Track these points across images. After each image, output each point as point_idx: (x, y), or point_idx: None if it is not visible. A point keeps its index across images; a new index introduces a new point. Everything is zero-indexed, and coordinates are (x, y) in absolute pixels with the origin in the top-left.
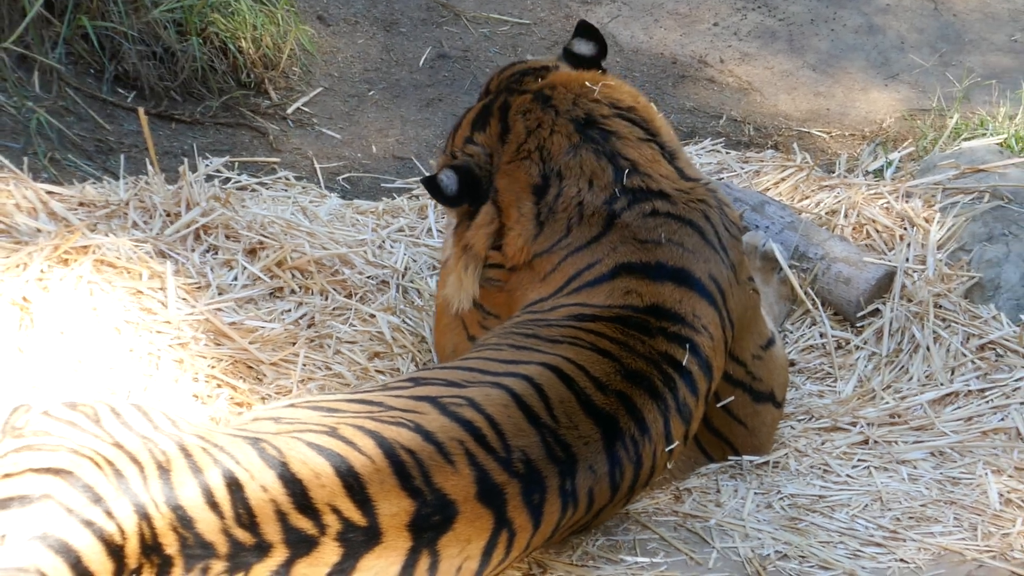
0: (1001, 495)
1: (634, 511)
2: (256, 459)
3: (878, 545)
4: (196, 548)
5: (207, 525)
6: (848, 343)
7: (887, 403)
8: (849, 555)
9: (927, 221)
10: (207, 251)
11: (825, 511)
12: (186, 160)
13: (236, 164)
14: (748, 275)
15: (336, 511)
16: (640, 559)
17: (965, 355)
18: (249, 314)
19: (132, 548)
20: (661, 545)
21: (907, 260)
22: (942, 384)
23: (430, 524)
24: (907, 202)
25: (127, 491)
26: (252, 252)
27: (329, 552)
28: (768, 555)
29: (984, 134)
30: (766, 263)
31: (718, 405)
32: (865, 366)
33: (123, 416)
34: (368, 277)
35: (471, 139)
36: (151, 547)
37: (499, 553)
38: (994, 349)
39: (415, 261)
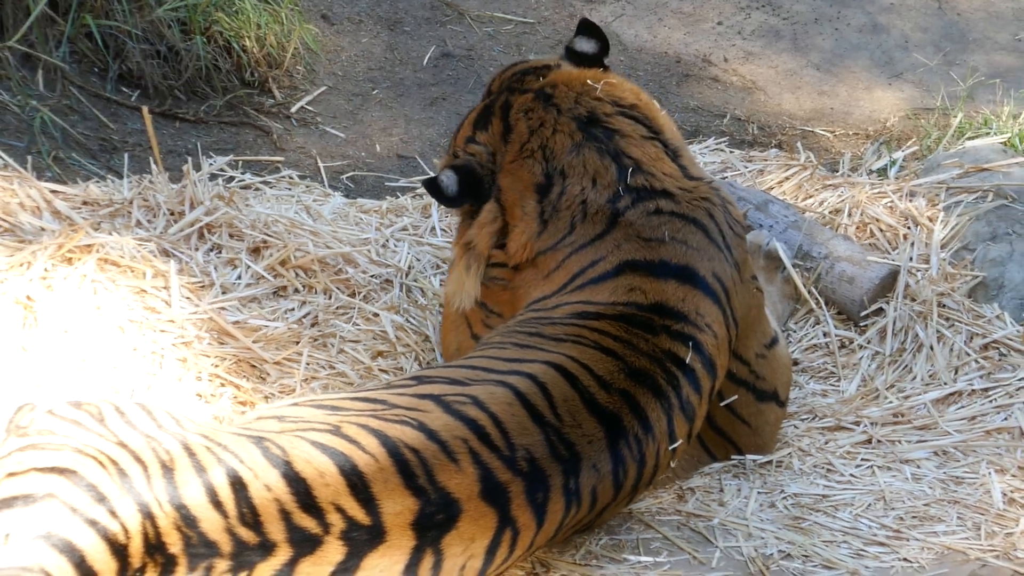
0: (1004, 494)
1: (637, 510)
2: (260, 458)
3: (881, 544)
4: (200, 547)
5: (211, 524)
6: (852, 342)
7: (890, 402)
8: (852, 554)
9: (931, 220)
10: (211, 250)
11: (828, 510)
12: (190, 159)
13: (240, 163)
14: (752, 273)
15: (340, 510)
16: (643, 558)
17: (969, 354)
18: (253, 313)
19: (136, 547)
20: (664, 544)
21: (911, 259)
22: (945, 383)
23: (434, 523)
24: (911, 201)
25: (131, 490)
26: (256, 251)
27: (333, 551)
28: (771, 554)
29: (988, 133)
30: (770, 262)
31: (722, 404)
32: (868, 365)
33: (127, 415)
34: (372, 276)
35: (473, 138)
36: (155, 546)
37: (503, 552)
38: (997, 348)
39: (419, 260)
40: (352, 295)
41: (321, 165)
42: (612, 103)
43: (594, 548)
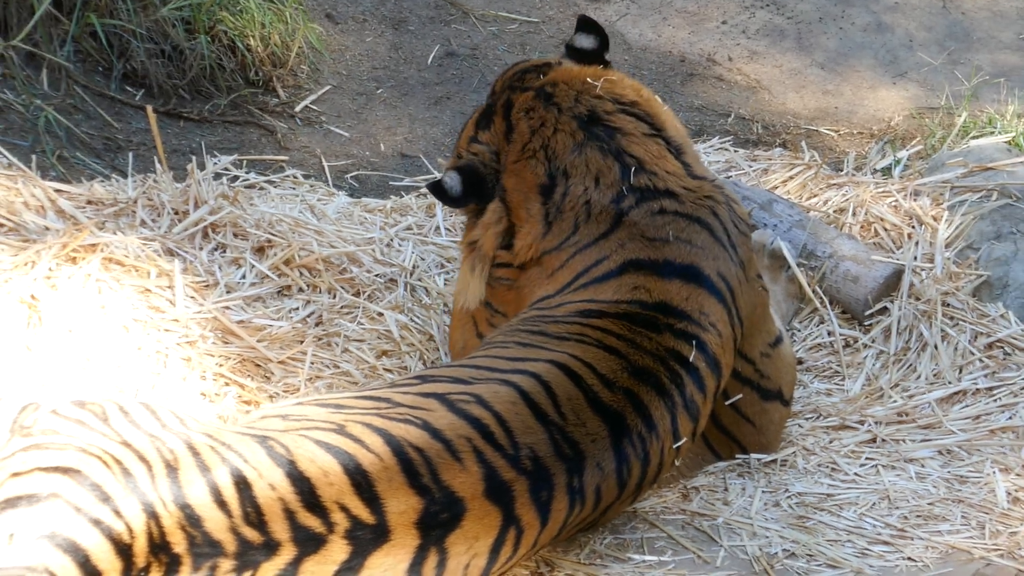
0: (1009, 493)
1: (642, 509)
2: (264, 457)
3: (886, 543)
4: (204, 547)
5: (215, 523)
6: (856, 341)
7: (895, 401)
8: (857, 553)
9: (935, 219)
10: (215, 249)
11: (833, 509)
12: (194, 158)
13: (244, 162)
14: (757, 272)
15: (344, 509)
16: (648, 557)
17: (973, 353)
18: (257, 312)
19: (140, 547)
20: (669, 543)
21: (915, 258)
22: (950, 382)
23: (438, 522)
24: (915, 200)
25: (135, 490)
26: (260, 250)
27: (337, 550)
28: (776, 553)
29: (992, 132)
30: (774, 261)
31: (726, 403)
32: (873, 364)
33: (131, 414)
34: (376, 275)
35: (475, 138)
36: (159, 546)
37: (507, 550)
38: (1002, 347)
39: (423, 259)
40: (356, 294)
41: (325, 164)
42: (613, 100)
43: (598, 547)
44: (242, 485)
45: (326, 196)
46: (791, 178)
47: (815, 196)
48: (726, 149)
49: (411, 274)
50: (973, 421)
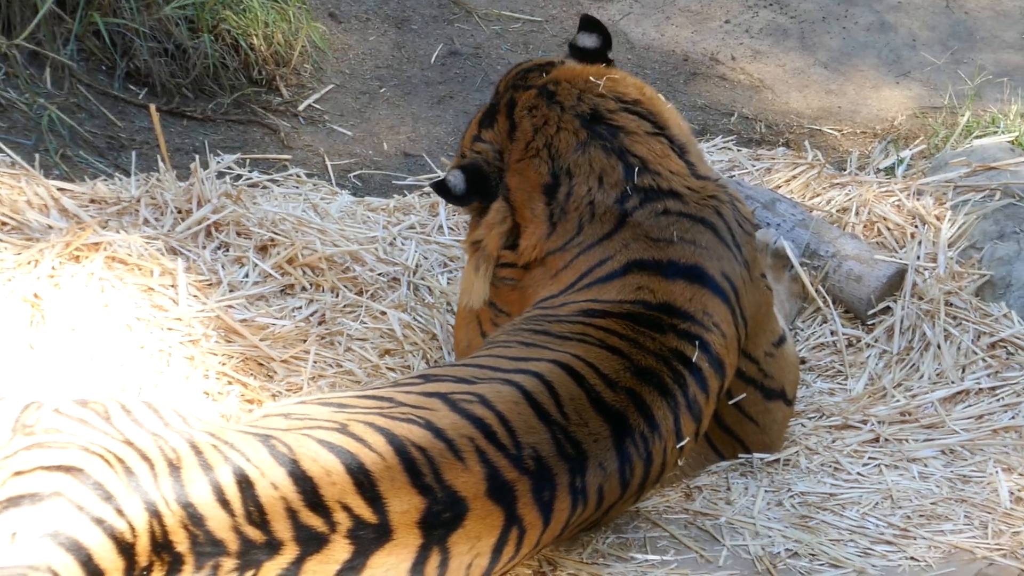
0: (1012, 493)
1: (644, 509)
2: (267, 456)
3: (888, 543)
4: (206, 546)
5: (218, 523)
6: (859, 341)
7: (898, 401)
8: (859, 553)
9: (938, 219)
10: (218, 248)
11: (835, 509)
12: (197, 157)
13: (247, 161)
14: (761, 271)
15: (346, 508)
16: (650, 557)
17: (976, 353)
18: (260, 311)
19: (143, 546)
20: (671, 543)
21: (918, 258)
22: (953, 382)
23: (440, 521)
24: (918, 200)
25: (138, 488)
26: (263, 249)
27: (339, 549)
28: (778, 553)
29: (995, 132)
30: (777, 261)
31: (730, 403)
32: (876, 364)
33: (134, 413)
34: (379, 274)
35: (479, 137)
36: (162, 545)
37: (509, 550)
38: (1005, 347)
39: (426, 258)
40: (359, 293)
41: (328, 163)
42: (615, 99)
43: (601, 546)
44: (244, 484)
45: (329, 195)
46: (794, 177)
47: (818, 195)
48: (729, 148)
49: (414, 273)
50: (976, 421)
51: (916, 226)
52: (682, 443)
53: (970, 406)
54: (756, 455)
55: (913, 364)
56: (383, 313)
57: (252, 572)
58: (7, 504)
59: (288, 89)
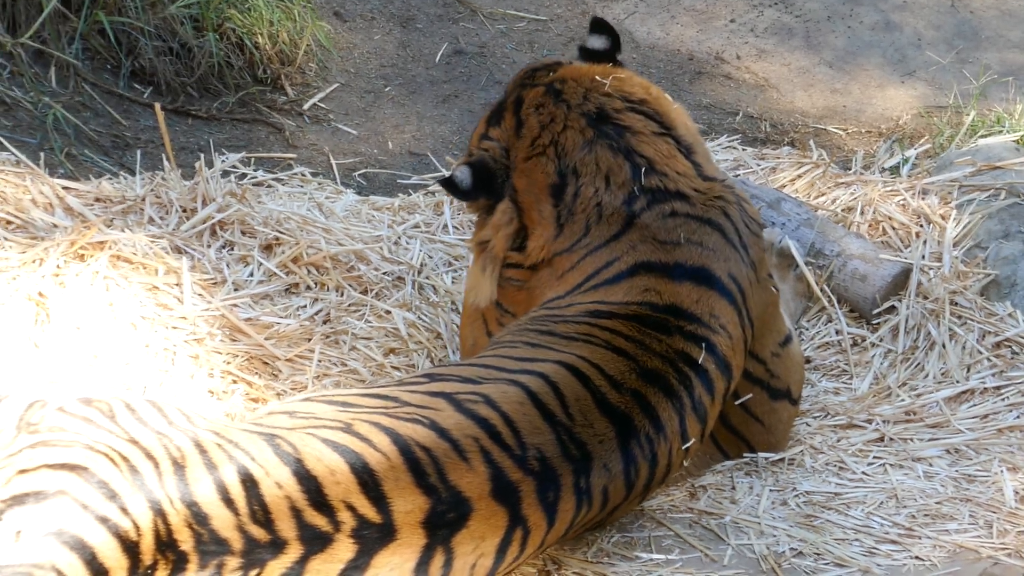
0: (1017, 492)
1: (649, 508)
2: (271, 455)
3: (893, 542)
4: (211, 544)
5: (222, 521)
6: (864, 340)
7: (903, 400)
8: (864, 552)
9: (943, 218)
10: (223, 247)
11: (840, 508)
12: (202, 156)
13: (252, 160)
14: (768, 272)
15: (351, 508)
16: (655, 556)
17: (981, 352)
18: (265, 310)
19: (147, 544)
20: (676, 542)
21: (923, 257)
22: (958, 381)
23: (445, 521)
24: (923, 199)
25: (142, 487)
26: (268, 248)
27: (344, 549)
28: (783, 552)
29: (1001, 131)
30: (782, 260)
31: (736, 403)
32: (881, 363)
33: (138, 412)
34: (384, 273)
35: (486, 135)
36: (166, 543)
37: (513, 551)
38: (1010, 346)
39: (431, 257)
40: (364, 292)
41: (333, 162)
42: (621, 98)
43: (606, 545)
44: (249, 483)
45: (334, 194)
46: (799, 176)
47: (823, 195)
48: (734, 147)
49: (419, 272)
50: (981, 420)
51: (921, 225)
52: (687, 444)
53: (975, 405)
54: (761, 454)
55: (918, 363)
56: (388, 312)
57: (256, 571)
58: (12, 502)
59: (293, 88)
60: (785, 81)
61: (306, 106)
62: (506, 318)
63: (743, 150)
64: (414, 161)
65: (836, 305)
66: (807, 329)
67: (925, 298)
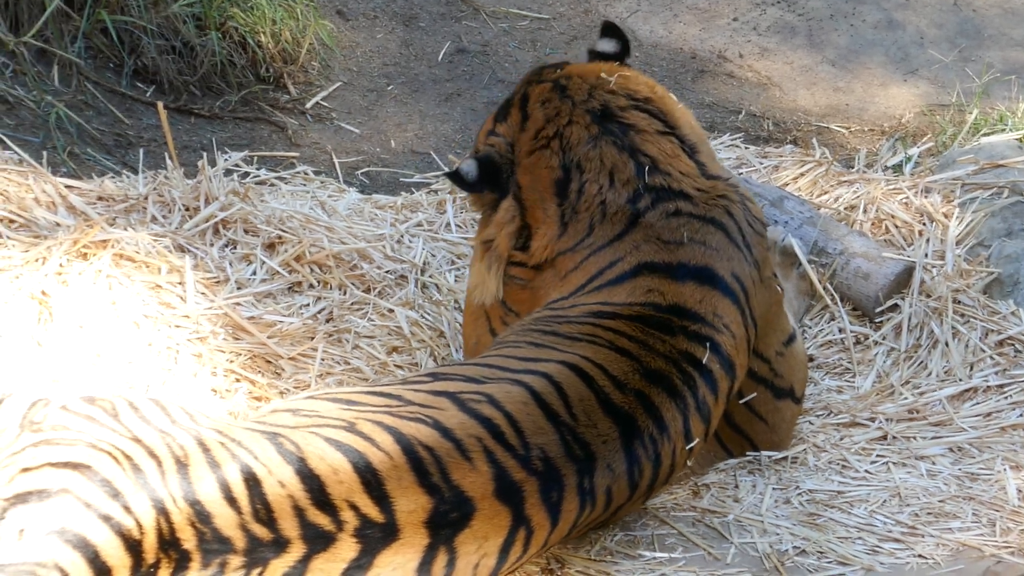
0: (1020, 491)
1: (652, 506)
2: (274, 454)
3: (896, 541)
4: (213, 543)
5: (225, 520)
6: (867, 338)
7: (905, 399)
8: (867, 551)
9: (946, 216)
10: (226, 245)
11: (843, 507)
12: (205, 154)
13: (255, 159)
14: (772, 271)
15: (354, 507)
16: (658, 554)
17: (984, 351)
18: (268, 308)
19: (150, 543)
20: (679, 540)
21: (926, 255)
22: (961, 380)
23: (448, 521)
24: (926, 197)
25: (145, 486)
26: (271, 247)
27: (346, 548)
28: (786, 550)
29: (1003, 129)
30: (785, 258)
31: (740, 402)
32: (884, 361)
33: (141, 410)
34: (386, 272)
35: (493, 131)
36: (169, 542)
37: (516, 550)
38: (1013, 345)
39: (434, 256)
40: (367, 291)
41: (336, 161)
42: (626, 96)
43: (609, 544)
44: (252, 482)
45: (337, 192)
46: (802, 175)
47: (826, 193)
48: (737, 146)
49: (422, 271)
50: (984, 418)
51: (924, 224)
52: (691, 444)
53: (978, 404)
54: (764, 453)
55: (921, 362)
56: (391, 310)
57: (259, 570)
58: (15, 501)
59: (296, 87)
60: (788, 79)
61: (309, 105)
62: (510, 317)
63: (746, 148)
64: (417, 160)
65: (839, 303)
66: (810, 327)
67: (928, 296)
